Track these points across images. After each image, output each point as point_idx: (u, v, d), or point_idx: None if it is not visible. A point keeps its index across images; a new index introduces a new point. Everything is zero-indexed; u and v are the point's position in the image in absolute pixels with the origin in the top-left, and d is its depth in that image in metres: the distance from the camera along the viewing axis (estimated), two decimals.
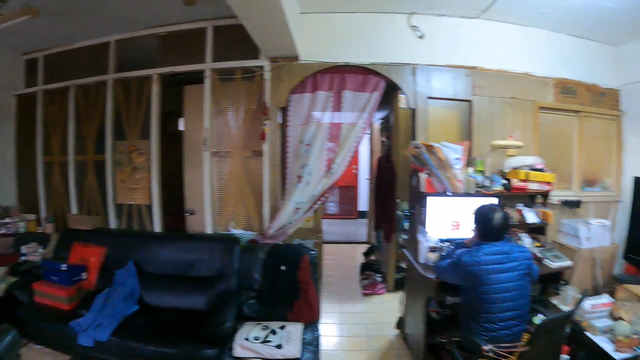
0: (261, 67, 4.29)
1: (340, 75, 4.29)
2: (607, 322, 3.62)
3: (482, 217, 2.95)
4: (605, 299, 3.92)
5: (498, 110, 4.63)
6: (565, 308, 3.69)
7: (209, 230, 4.46)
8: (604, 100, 5.28)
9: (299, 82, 4.27)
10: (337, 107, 4.30)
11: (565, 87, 5.01)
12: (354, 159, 9.86)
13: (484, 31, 4.63)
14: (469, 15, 4.53)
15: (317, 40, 4.31)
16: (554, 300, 3.88)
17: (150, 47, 4.67)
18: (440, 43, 4.51)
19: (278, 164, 4.33)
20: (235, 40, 4.25)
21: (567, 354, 3.46)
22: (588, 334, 3.52)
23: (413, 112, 4.48)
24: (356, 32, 4.39)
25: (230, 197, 4.47)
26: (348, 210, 10.43)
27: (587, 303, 3.72)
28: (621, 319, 3.59)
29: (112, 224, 4.83)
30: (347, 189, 10.32)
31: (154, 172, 4.58)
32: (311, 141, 4.21)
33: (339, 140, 4.26)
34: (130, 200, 4.77)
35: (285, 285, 3.74)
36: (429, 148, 3.66)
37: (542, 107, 4.87)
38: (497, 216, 2.86)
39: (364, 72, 4.34)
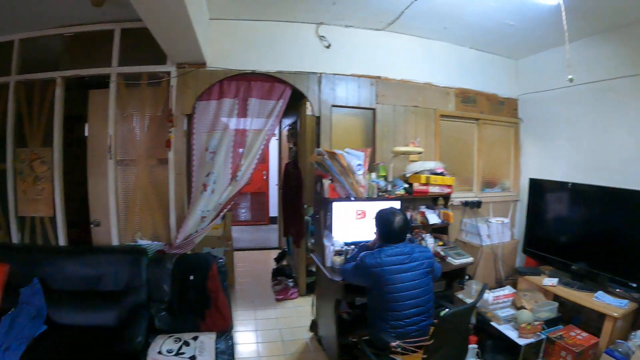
0: (168, 73, 4.24)
1: (246, 83, 4.36)
2: (510, 312, 3.97)
3: (383, 220, 3.12)
4: (507, 290, 4.31)
5: (401, 117, 4.93)
6: (470, 301, 3.96)
7: (115, 241, 4.30)
8: (503, 108, 5.82)
9: (206, 89, 4.27)
10: (243, 114, 4.35)
11: (466, 97, 5.47)
12: (265, 165, 10.01)
13: (389, 42, 4.91)
14: (375, 27, 4.78)
15: (225, 47, 4.35)
16: (459, 295, 4.20)
17: (56, 48, 4.48)
18: (346, 53, 4.71)
19: (184, 172, 4.30)
20: (143, 44, 4.08)
21: (475, 344, 3.78)
22: (493, 323, 3.85)
23: (318, 119, 4.62)
24: (264, 40, 4.47)
25: (136, 207, 4.36)
26: (259, 216, 10.53)
27: (490, 295, 4.07)
28: (523, 307, 3.94)
29: (15, 238, 4.46)
30: (258, 195, 10.40)
31: (56, 182, 4.34)
32: (216, 149, 4.23)
33: (244, 148, 4.31)
34: (33, 212, 4.46)
35: (195, 295, 3.74)
36: (332, 155, 3.86)
37: (443, 115, 5.28)
38: (397, 219, 3.05)
39: (271, 80, 4.42)
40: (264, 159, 10.05)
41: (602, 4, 3.96)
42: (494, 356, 3.84)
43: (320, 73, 4.61)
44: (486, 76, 5.66)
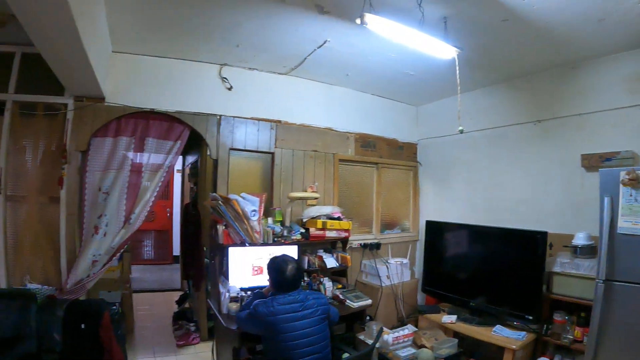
0: (65, 105, 4.10)
1: (145, 122, 4.36)
2: (411, 351, 4.21)
3: (275, 269, 3.17)
4: (407, 330, 4.56)
5: (300, 162, 5.23)
6: (371, 342, 4.04)
7: (3, 284, 3.99)
8: (403, 152, 6.38)
9: (102, 125, 4.18)
10: (139, 154, 4.38)
11: (366, 141, 5.93)
12: (169, 202, 9.85)
13: (292, 87, 5.21)
14: (279, 71, 5.08)
15: (125, 83, 4.32)
16: (361, 336, 4.38)
17: None
18: (248, 95, 4.92)
19: (76, 212, 4.13)
20: (43, 72, 3.76)
21: None
22: None
23: (215, 162, 4.71)
24: (166, 78, 4.51)
25: (26, 247, 4.09)
26: (163, 255, 10.28)
27: (390, 336, 4.29)
28: (424, 346, 4.22)
29: None
30: (161, 233, 10.19)
31: None
32: (110, 189, 4.16)
33: (139, 189, 4.31)
34: None
35: (87, 345, 3.65)
36: (226, 200, 4.01)
37: (342, 160, 5.67)
38: (290, 267, 3.13)
39: (170, 120, 4.47)
40: (167, 196, 10.08)
41: (494, 59, 4.57)
42: None
43: (220, 115, 4.74)
44: (386, 121, 6.20)
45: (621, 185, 3.09)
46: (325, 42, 4.15)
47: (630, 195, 3.05)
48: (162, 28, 3.91)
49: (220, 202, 4.02)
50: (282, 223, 4.68)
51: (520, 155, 5.15)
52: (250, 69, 4.96)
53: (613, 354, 3.10)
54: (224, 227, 4.05)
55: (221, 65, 4.79)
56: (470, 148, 5.79)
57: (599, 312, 3.14)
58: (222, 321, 3.63)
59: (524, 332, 4.13)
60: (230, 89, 4.83)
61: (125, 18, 3.68)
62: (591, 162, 4.33)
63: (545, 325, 4.17)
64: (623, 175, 3.08)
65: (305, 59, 4.62)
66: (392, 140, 6.29)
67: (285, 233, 4.49)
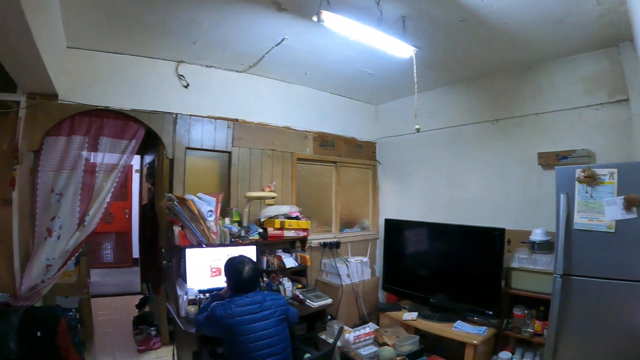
0: (17, 103, 3.95)
1: (99, 120, 4.30)
2: (373, 349, 4.31)
3: (232, 270, 3.21)
4: (368, 328, 4.66)
5: (257, 161, 5.28)
6: (332, 341, 4.09)
7: None
8: (362, 151, 6.55)
9: (56, 123, 4.08)
10: (93, 154, 4.32)
11: (325, 140, 6.06)
12: (128, 203, 9.73)
13: (250, 85, 5.25)
14: (236, 69, 5.12)
15: (79, 80, 4.22)
16: (323, 335, 4.47)
17: None
18: (205, 94, 4.92)
19: (29, 215, 4.01)
20: None
21: None
22: None
23: (171, 162, 4.67)
24: (121, 75, 4.44)
25: None
26: (123, 257, 10.10)
27: (351, 335, 4.40)
28: (385, 344, 4.30)
29: None
30: (120, 235, 10.02)
31: None
32: (63, 190, 4.07)
33: (93, 190, 4.26)
34: None
35: (44, 353, 3.54)
36: (182, 201, 4.04)
37: (300, 159, 5.78)
38: (247, 269, 3.16)
39: (125, 118, 4.40)
40: (126, 197, 9.96)
41: (453, 59, 4.75)
42: None
43: (176, 114, 4.72)
44: (345, 120, 6.35)
45: (577, 183, 3.23)
46: (283, 40, 4.21)
47: (586, 192, 3.19)
48: (118, 23, 3.86)
49: (175, 202, 4.04)
50: (240, 223, 4.72)
51: (479, 153, 5.38)
52: (207, 66, 4.97)
53: (572, 346, 3.26)
54: (180, 228, 4.07)
55: (178, 62, 4.76)
56: (429, 147, 6.02)
57: (557, 305, 3.28)
58: (180, 325, 3.63)
59: (485, 327, 4.32)
60: (187, 86, 4.81)
61: (80, 13, 3.61)
62: (548, 160, 4.55)
63: (505, 320, 4.36)
64: (578, 172, 3.21)
65: (263, 57, 4.67)
66: (351, 139, 6.45)
67: (242, 233, 4.52)
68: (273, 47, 4.41)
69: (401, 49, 3.75)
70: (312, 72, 5.24)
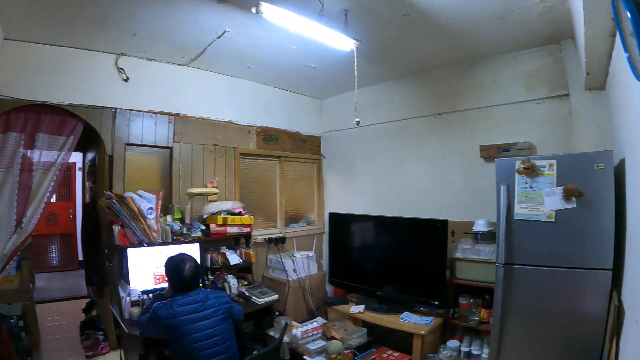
0: None
1: (35, 116, 4.13)
2: (321, 344, 4.42)
3: (172, 269, 3.19)
4: (316, 323, 4.80)
5: (199, 156, 5.25)
6: (285, 338, 4.33)
7: None
8: (306, 145, 6.68)
9: None
10: (30, 151, 4.16)
11: (268, 135, 6.13)
12: (71, 203, 9.48)
13: (191, 78, 5.20)
14: (178, 62, 5.06)
15: (15, 73, 4.06)
16: (271, 332, 4.58)
17: None
18: (145, 87, 4.81)
19: None
20: None
21: None
22: (306, 357, 4.23)
23: (111, 158, 4.55)
24: (59, 68, 4.28)
25: None
26: (68, 260, 9.80)
27: (299, 330, 4.51)
28: (333, 338, 4.45)
29: None
30: (65, 237, 9.73)
31: None
32: None
33: (30, 190, 4.11)
34: None
35: None
36: (121, 199, 4.02)
37: (244, 154, 5.82)
38: (187, 267, 3.14)
39: (62, 114, 4.25)
40: (70, 197, 9.75)
41: (395, 53, 4.90)
42: None
43: (116, 108, 4.58)
44: (289, 115, 6.45)
45: (516, 174, 3.40)
46: (224, 33, 4.20)
47: (526, 183, 3.34)
48: (56, 13, 3.72)
49: (114, 200, 4.02)
50: (182, 221, 4.72)
51: (422, 147, 5.61)
52: (148, 59, 4.87)
53: (516, 331, 3.45)
54: (119, 227, 4.05)
55: (118, 55, 4.63)
56: (373, 140, 6.22)
57: (500, 294, 3.45)
58: (124, 328, 3.61)
59: (431, 317, 4.54)
60: (126, 80, 4.69)
61: (16, 3, 3.48)
62: (490, 153, 4.81)
63: (452, 309, 4.59)
64: (518, 164, 3.34)
65: (204, 49, 4.64)
66: (295, 134, 6.56)
67: (185, 231, 4.51)
68: (214, 40, 4.38)
69: (342, 42, 3.82)
70: (255, 66, 5.27)
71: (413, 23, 3.97)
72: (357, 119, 3.98)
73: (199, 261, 3.81)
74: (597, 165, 3.05)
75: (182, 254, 3.34)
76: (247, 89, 5.85)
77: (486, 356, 4.24)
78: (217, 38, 4.35)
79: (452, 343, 4.39)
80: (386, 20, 3.94)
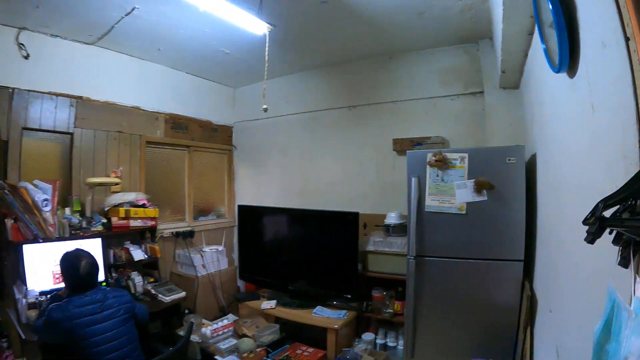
0: None
1: None
2: (232, 342, 4.37)
3: (67, 266, 3.02)
4: (226, 320, 4.74)
5: (103, 144, 4.93)
6: (195, 337, 4.28)
7: None
8: (217, 135, 6.56)
9: None
10: None
11: (177, 123, 5.93)
12: None
13: (98, 59, 4.88)
14: (84, 41, 4.70)
15: None
16: (180, 332, 4.45)
17: None
18: (47, 66, 4.43)
19: None
20: None
21: None
22: (217, 357, 4.15)
23: (5, 144, 4.13)
24: None
25: None
26: None
27: (208, 329, 4.43)
28: (245, 335, 4.39)
29: None
30: None
31: None
32: None
33: None
34: None
35: None
36: (14, 189, 3.71)
37: (150, 142, 5.57)
38: (83, 263, 2.98)
39: None
40: None
41: (311, 42, 4.90)
42: None
43: (14, 88, 4.17)
44: (201, 102, 6.30)
45: (428, 166, 3.48)
46: (133, 10, 3.97)
47: (437, 176, 3.39)
48: None
49: (7, 191, 3.69)
50: (82, 213, 4.46)
51: (335, 139, 5.72)
52: (52, 35, 4.47)
53: (431, 322, 3.56)
54: (12, 221, 3.73)
55: (19, 29, 4.18)
56: (286, 131, 6.26)
57: (412, 286, 3.54)
58: (20, 333, 3.37)
59: (345, 311, 4.61)
60: (27, 57, 4.26)
61: None
62: (402, 147, 4.98)
63: (365, 302, 4.70)
64: (429, 156, 3.40)
65: (112, 27, 4.36)
66: (206, 123, 6.42)
67: (84, 224, 4.29)
68: (123, 17, 4.12)
69: (255, 26, 3.79)
70: (166, 49, 5.07)
71: (331, 11, 3.99)
72: (264, 106, 3.98)
73: (99, 257, 3.72)
74: (509, 159, 3.21)
75: (77, 250, 3.17)
76: (156, 73, 5.61)
77: (402, 347, 4.38)
78: (126, 15, 4.10)
79: (367, 336, 4.50)
80: (303, 6, 3.91)
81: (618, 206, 0.98)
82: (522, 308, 3.06)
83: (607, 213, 1.03)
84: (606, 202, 1.01)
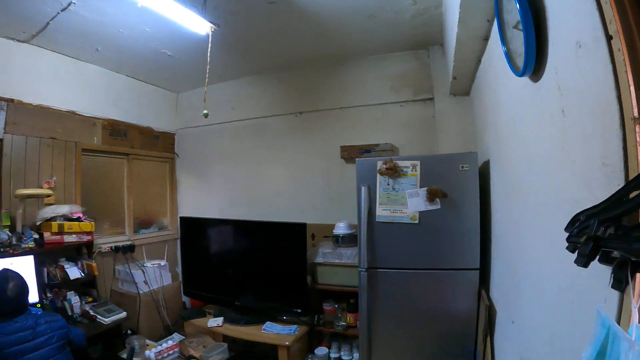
0: None
1: None
2: None
3: None
4: (171, 341, 4.51)
5: (35, 151, 4.55)
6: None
7: None
8: (158, 143, 6.25)
9: None
10: None
11: (116, 129, 5.58)
12: None
13: (32, 58, 4.53)
14: (18, 38, 4.38)
15: None
16: (124, 355, 4.13)
17: None
18: None
19: None
20: None
21: None
22: None
23: None
24: None
25: None
26: None
27: (152, 352, 4.18)
28: (192, 357, 4.17)
29: None
30: None
31: None
32: None
33: None
34: None
35: None
36: None
37: (87, 149, 5.17)
38: (11, 286, 2.79)
39: None
40: None
41: (258, 45, 4.76)
42: None
43: None
44: (141, 108, 5.96)
45: (378, 175, 3.40)
46: (69, 4, 3.73)
47: (388, 184, 3.35)
48: None
49: None
50: (13, 228, 4.12)
51: (282, 147, 5.61)
52: None
53: (386, 334, 3.49)
54: None
55: None
56: (231, 139, 6.08)
57: (365, 299, 3.46)
58: None
59: (296, 326, 4.47)
60: None
61: None
62: (350, 154, 4.92)
63: (316, 316, 4.59)
64: (380, 164, 3.33)
65: (47, 23, 4.08)
66: (147, 129, 6.09)
67: (14, 241, 3.96)
68: (59, 13, 3.87)
69: (198, 25, 3.62)
70: (105, 49, 4.78)
71: (279, 12, 3.89)
72: (205, 111, 3.82)
73: (32, 276, 3.53)
74: (462, 167, 3.21)
75: (4, 270, 2.95)
76: (94, 75, 5.25)
77: None
78: (62, 10, 3.83)
79: (320, 350, 4.42)
80: (250, 6, 3.79)
81: (607, 223, 0.87)
82: (480, 317, 3.07)
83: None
84: (599, 218, 0.90)
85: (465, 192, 3.20)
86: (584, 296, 1.21)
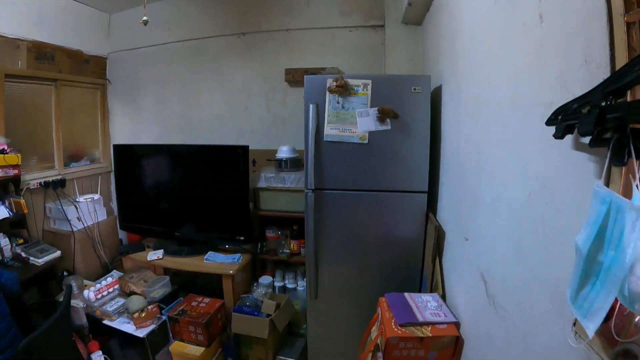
0: None
1: None
2: (120, 302, 4.13)
3: None
4: (110, 278, 4.47)
5: None
6: (74, 302, 3.92)
7: None
8: (89, 67, 5.85)
9: None
10: None
11: (42, 52, 5.11)
12: None
13: None
14: None
15: None
16: (61, 298, 3.91)
17: None
18: None
19: None
20: None
21: (99, 349, 3.83)
22: (106, 321, 3.92)
23: None
24: None
25: None
26: None
27: (91, 291, 4.12)
28: (134, 293, 4.15)
29: None
30: None
31: None
32: None
33: None
34: None
35: None
36: None
37: (10, 75, 4.73)
38: None
39: None
40: None
41: None
42: (125, 354, 4.01)
43: None
44: (70, 28, 5.48)
45: (328, 93, 3.34)
46: None
47: (338, 102, 3.29)
48: None
49: None
50: None
51: (222, 69, 5.48)
52: None
53: (331, 259, 3.59)
54: None
55: None
56: (168, 62, 5.83)
57: (312, 221, 3.48)
58: None
59: (239, 254, 4.52)
60: None
61: None
62: (295, 77, 4.89)
63: (259, 244, 4.67)
64: (330, 82, 3.26)
65: None
66: (77, 52, 5.64)
67: None
68: None
69: None
70: None
71: None
72: (145, 17, 3.61)
73: None
74: (415, 89, 3.22)
75: None
76: None
77: (302, 288, 4.53)
78: None
79: (265, 279, 4.51)
80: None
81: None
82: (428, 238, 3.20)
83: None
84: (605, 90, 0.93)
85: (417, 114, 3.23)
86: (558, 193, 1.27)
